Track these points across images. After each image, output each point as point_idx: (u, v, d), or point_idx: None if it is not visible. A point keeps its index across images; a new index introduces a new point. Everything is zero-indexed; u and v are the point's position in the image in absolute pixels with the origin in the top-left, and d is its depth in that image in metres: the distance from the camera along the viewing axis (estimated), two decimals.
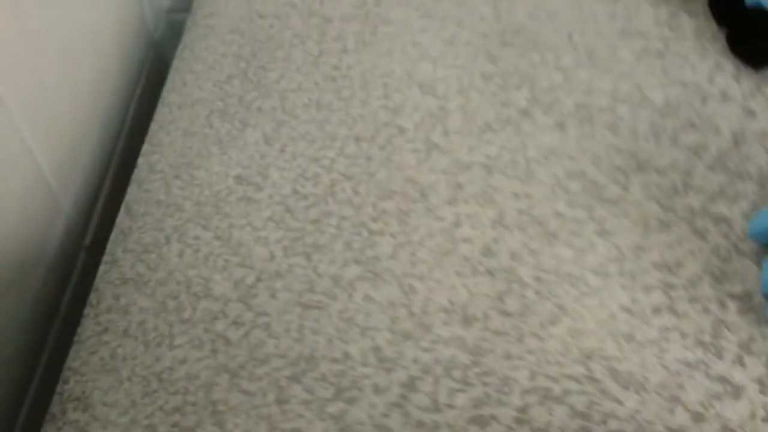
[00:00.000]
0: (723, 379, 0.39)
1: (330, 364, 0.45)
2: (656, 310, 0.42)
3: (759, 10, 0.49)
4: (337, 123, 0.57)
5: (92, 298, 0.55)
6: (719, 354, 0.40)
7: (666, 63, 0.52)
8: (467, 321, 0.44)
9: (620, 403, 0.40)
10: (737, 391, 0.38)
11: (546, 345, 0.42)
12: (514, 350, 0.42)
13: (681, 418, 0.39)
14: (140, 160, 0.62)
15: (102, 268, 0.56)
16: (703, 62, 0.51)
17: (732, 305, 0.41)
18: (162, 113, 0.65)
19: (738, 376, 0.39)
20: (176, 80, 0.67)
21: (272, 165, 0.57)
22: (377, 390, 0.43)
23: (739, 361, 0.39)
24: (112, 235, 0.58)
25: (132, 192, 0.60)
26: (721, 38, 0.52)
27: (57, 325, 0.58)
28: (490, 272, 0.46)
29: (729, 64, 0.50)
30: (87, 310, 0.54)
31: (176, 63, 0.69)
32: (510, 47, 0.57)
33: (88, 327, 0.53)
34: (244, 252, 0.52)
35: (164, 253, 0.55)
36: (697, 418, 0.39)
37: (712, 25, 0.53)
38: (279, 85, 0.62)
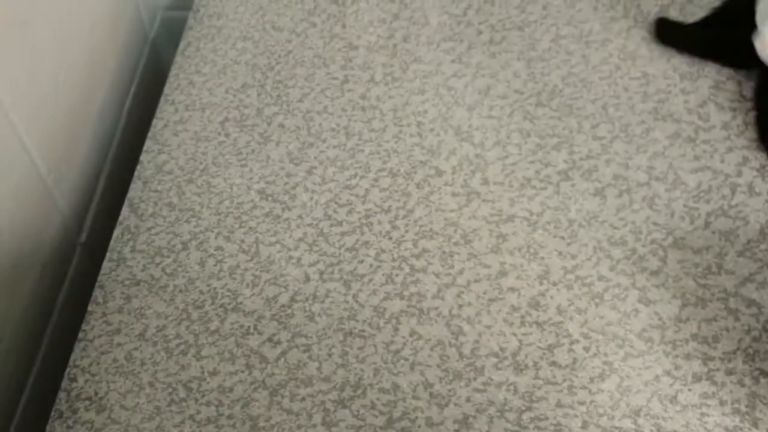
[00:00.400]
0: None
1: (379, 393, 0.52)
2: (697, 378, 0.51)
3: None
4: (368, 153, 0.65)
5: (97, 295, 0.59)
6: (755, 423, 0.49)
7: (697, 150, 0.62)
8: (518, 368, 0.52)
9: None
10: None
11: (596, 398, 0.51)
12: (565, 400, 0.51)
13: None
14: (144, 158, 0.67)
15: (107, 265, 0.60)
16: (731, 153, 0.62)
17: (764, 381, 0.51)
18: (167, 111, 0.70)
19: None
20: (181, 79, 0.72)
21: (300, 185, 0.63)
22: (431, 423, 0.50)
23: None
24: (116, 233, 0.62)
25: (136, 189, 0.65)
26: (747, 134, 0.63)
27: (53, 321, 0.61)
28: (539, 324, 0.54)
29: (755, 160, 0.61)
30: (92, 308, 0.58)
31: (179, 60, 0.74)
32: (546, 108, 0.66)
33: (95, 326, 0.57)
34: (275, 270, 0.58)
35: (182, 259, 0.60)
36: None
37: (738, 120, 0.64)
38: (302, 104, 0.69)
